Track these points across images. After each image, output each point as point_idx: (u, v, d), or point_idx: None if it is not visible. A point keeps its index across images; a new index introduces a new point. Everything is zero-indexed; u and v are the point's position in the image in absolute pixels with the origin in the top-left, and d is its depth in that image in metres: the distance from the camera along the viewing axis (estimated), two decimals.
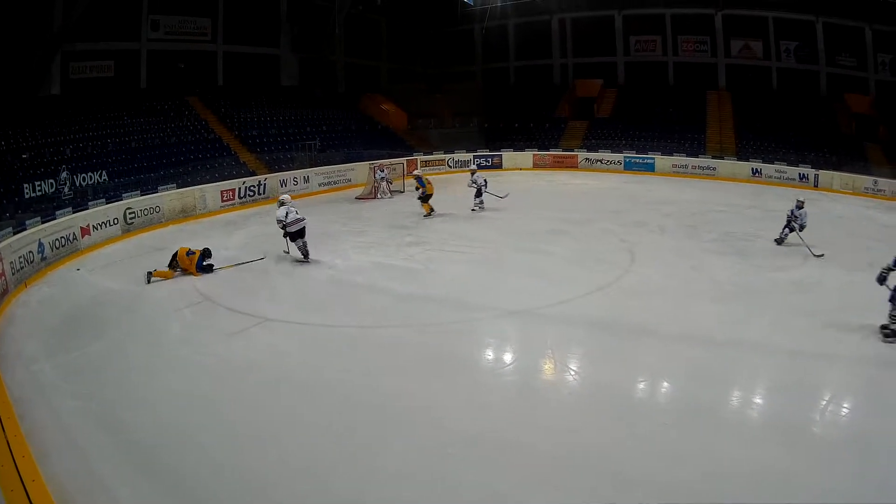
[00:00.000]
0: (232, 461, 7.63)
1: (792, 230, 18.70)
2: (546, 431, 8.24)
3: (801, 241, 18.24)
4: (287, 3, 42.51)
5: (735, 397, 9.60)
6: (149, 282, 16.16)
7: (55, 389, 9.86)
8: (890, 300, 11.06)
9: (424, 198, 23.70)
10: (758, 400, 9.62)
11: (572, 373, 10.34)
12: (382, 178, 29.75)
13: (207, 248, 17.37)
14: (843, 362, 10.64)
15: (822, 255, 17.37)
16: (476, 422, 8.47)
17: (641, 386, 9.96)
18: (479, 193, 25.23)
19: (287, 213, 17.27)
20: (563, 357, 10.93)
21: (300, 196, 29.81)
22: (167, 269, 16.78)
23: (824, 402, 9.36)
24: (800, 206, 18.85)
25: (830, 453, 7.85)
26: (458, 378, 9.90)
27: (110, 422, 8.72)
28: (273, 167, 32.36)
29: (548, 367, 10.69)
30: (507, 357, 11.39)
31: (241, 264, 17.55)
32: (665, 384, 9.98)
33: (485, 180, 25.52)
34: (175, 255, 16.93)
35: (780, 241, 18.99)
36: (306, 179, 31.85)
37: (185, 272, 16.70)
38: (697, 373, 10.04)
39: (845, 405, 9.41)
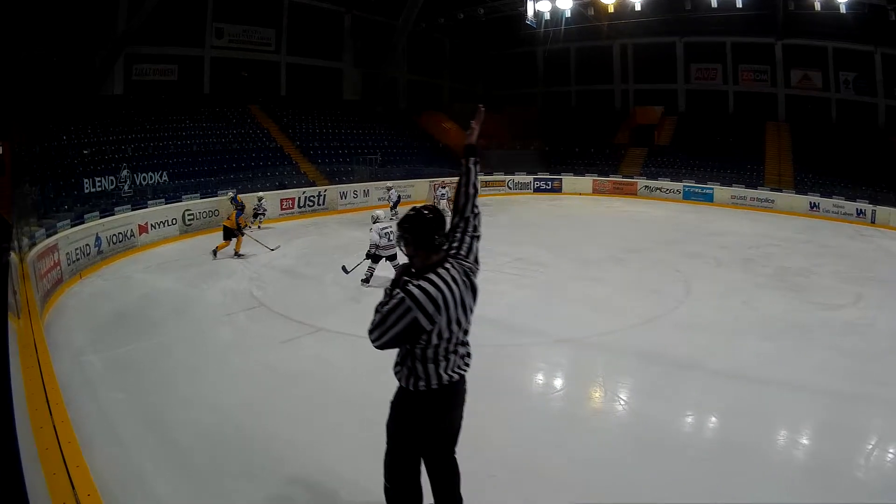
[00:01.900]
0: (271, 467, 7.38)
1: None
2: (588, 462, 7.86)
3: None
4: (351, 18, 42.85)
5: (779, 437, 9.03)
6: (215, 257, 18.27)
7: (101, 381, 9.80)
8: None
9: None
10: (801, 440, 8.98)
11: (621, 404, 9.91)
12: (442, 195, 29.45)
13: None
14: (890, 407, 9.99)
15: None
16: (520, 447, 8.09)
17: (688, 421, 9.51)
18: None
19: (381, 235, 16.01)
20: (613, 387, 10.47)
21: (359, 209, 29.94)
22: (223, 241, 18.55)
23: (869, 447, 8.77)
24: None
25: (872, 499, 7.33)
26: (505, 402, 9.43)
27: (153, 419, 8.57)
28: (333, 179, 32.33)
29: (596, 396, 10.34)
30: (556, 384, 10.98)
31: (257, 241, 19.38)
32: (710, 420, 9.54)
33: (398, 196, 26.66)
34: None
35: None
36: (366, 193, 31.71)
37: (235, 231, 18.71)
38: (742, 410, 9.54)
39: (891, 451, 8.71)
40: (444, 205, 29.19)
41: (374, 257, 16.18)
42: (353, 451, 7.74)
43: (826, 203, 35.47)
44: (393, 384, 8.46)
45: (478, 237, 5.33)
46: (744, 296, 16.34)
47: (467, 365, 5.63)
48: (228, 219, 19.36)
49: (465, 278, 5.02)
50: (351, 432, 8.26)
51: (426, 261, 4.75)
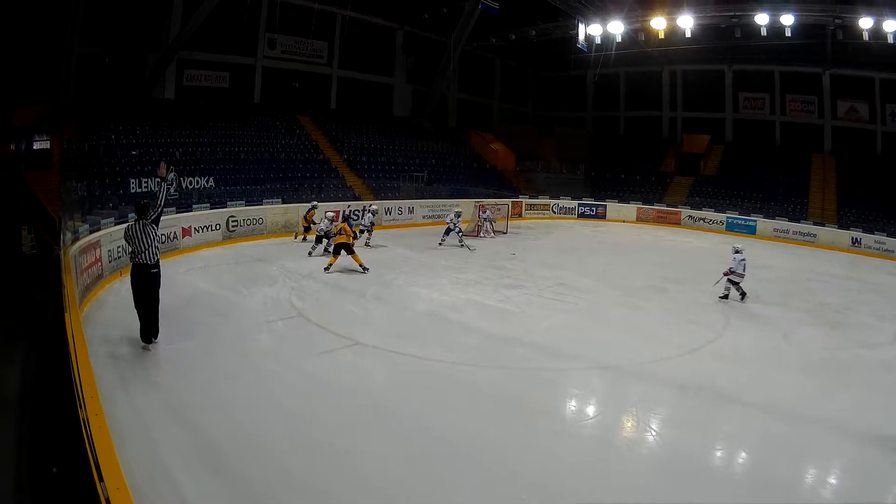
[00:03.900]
0: (301, 476, 7.46)
1: (734, 283, 18.97)
2: (617, 490, 7.85)
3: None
4: (403, 34, 43.08)
5: (810, 475, 8.94)
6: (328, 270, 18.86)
7: (136, 378, 9.89)
8: None
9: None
10: (832, 480, 8.91)
11: (653, 433, 9.77)
12: (486, 217, 29.19)
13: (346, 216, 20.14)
14: None
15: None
16: (550, 472, 8.11)
17: (718, 454, 9.43)
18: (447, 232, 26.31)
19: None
20: (646, 417, 10.40)
21: (403, 226, 30.04)
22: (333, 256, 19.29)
23: None
24: (737, 250, 19.14)
25: None
26: (538, 426, 9.55)
27: (186, 419, 8.69)
28: (379, 194, 32.35)
29: (629, 425, 10.20)
30: (590, 411, 10.95)
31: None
32: (742, 454, 9.36)
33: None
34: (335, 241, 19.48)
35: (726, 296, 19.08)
36: (411, 210, 31.62)
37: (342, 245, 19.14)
38: (774, 446, 9.39)
39: None
40: (487, 227, 29.11)
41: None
42: (387, 462, 7.89)
43: (868, 239, 35.11)
44: (430, 404, 10.03)
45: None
46: (783, 330, 16.22)
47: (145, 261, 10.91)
48: (343, 234, 19.37)
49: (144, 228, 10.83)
50: (385, 445, 8.38)
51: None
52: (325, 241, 21.82)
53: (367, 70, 41.91)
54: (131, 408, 8.69)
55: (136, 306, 11.11)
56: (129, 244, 11.01)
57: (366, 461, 7.87)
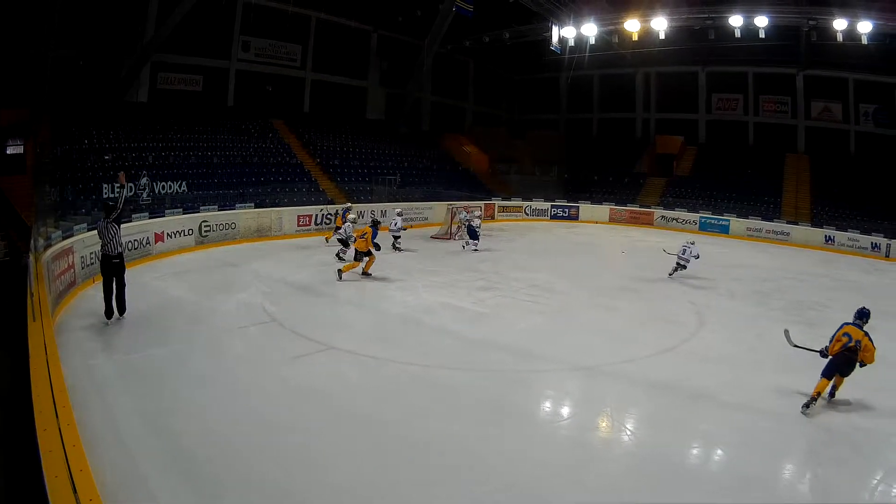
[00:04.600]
0: (278, 483, 7.46)
1: (680, 266, 22.19)
2: (594, 490, 7.99)
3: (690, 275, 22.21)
4: (377, 37, 43.16)
5: (788, 472, 9.18)
6: (340, 279, 18.72)
7: (110, 386, 9.87)
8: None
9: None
10: (809, 475, 9.13)
11: (628, 433, 9.97)
12: (468, 219, 28.90)
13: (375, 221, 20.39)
14: None
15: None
16: (526, 474, 8.19)
17: (695, 453, 9.61)
18: (473, 235, 26.53)
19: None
20: (621, 417, 10.59)
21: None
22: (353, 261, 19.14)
23: (875, 482, 8.90)
24: (691, 242, 22.53)
25: None
26: (513, 428, 9.64)
27: (161, 426, 8.68)
28: (352, 197, 32.15)
29: (604, 425, 10.35)
30: (565, 412, 11.00)
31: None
32: (718, 453, 9.57)
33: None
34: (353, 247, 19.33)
35: (671, 275, 22.31)
36: (383, 213, 31.19)
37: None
38: (751, 443, 9.60)
39: None
40: (476, 222, 29.27)
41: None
42: (363, 468, 7.95)
43: (841, 237, 35.81)
44: (405, 407, 10.06)
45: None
46: (757, 329, 16.44)
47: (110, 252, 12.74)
48: (364, 238, 19.20)
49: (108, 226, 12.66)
50: (361, 450, 8.43)
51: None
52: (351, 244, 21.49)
53: (341, 73, 41.93)
54: (106, 416, 8.69)
55: (103, 289, 13.00)
56: (99, 238, 13.05)
57: (342, 467, 7.93)
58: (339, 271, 18.99)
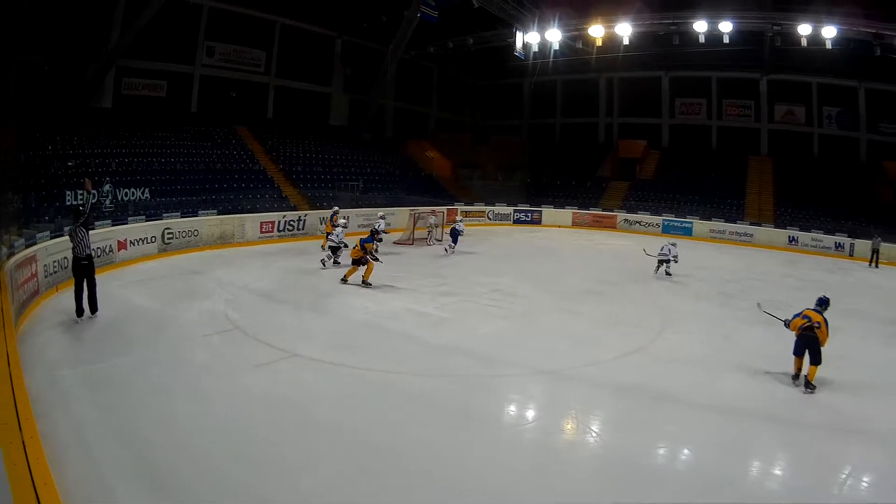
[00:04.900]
0: (247, 493, 7.45)
1: (663, 262, 23.95)
2: (560, 493, 8.00)
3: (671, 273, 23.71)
4: (341, 43, 43.28)
5: (755, 469, 9.27)
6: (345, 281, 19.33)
7: (75, 397, 9.78)
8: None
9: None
10: (777, 472, 9.32)
11: (594, 436, 10.04)
12: (436, 224, 29.49)
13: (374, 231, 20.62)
14: (866, 439, 10.33)
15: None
16: (493, 479, 8.24)
17: (661, 453, 9.69)
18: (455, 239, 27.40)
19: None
20: (586, 419, 10.67)
21: None
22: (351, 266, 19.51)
23: (843, 477, 9.07)
24: (672, 243, 24.40)
25: None
26: (480, 433, 9.68)
27: (127, 437, 8.58)
28: (315, 204, 32.33)
29: (570, 428, 10.40)
30: (530, 415, 11.08)
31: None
32: (685, 453, 9.71)
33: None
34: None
35: (656, 271, 24.08)
36: (346, 219, 30.79)
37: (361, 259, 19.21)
38: (718, 443, 9.77)
39: (864, 480, 9.11)
40: (436, 233, 29.47)
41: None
42: (332, 476, 7.97)
43: (805, 237, 36.64)
44: (370, 415, 10.03)
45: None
46: (723, 329, 16.81)
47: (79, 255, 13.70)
48: (355, 248, 19.48)
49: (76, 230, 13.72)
50: (331, 457, 8.48)
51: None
52: (340, 252, 22.14)
53: (305, 79, 42.01)
54: (70, 427, 8.62)
55: (75, 290, 13.85)
56: (71, 242, 14.05)
57: (311, 476, 7.93)
58: (344, 278, 19.44)
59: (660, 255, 23.86)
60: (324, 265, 21.94)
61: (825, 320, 12.45)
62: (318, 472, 8.07)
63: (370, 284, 19.26)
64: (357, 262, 19.30)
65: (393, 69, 44.23)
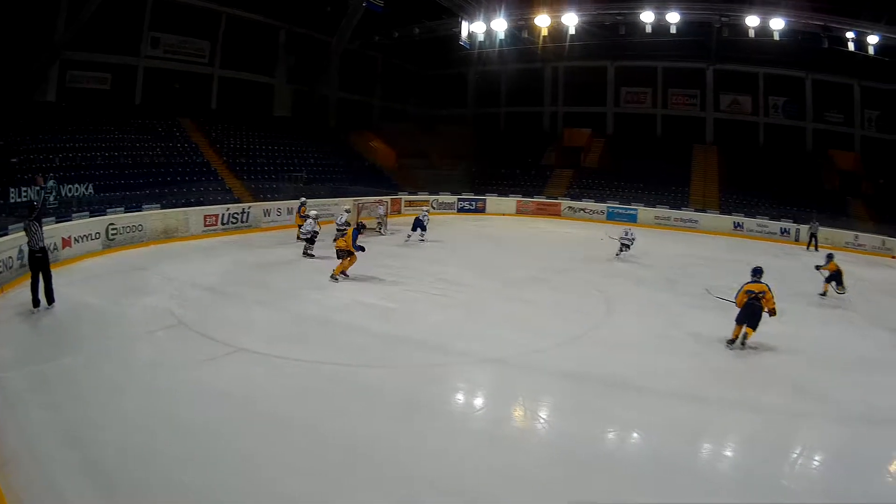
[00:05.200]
0: (199, 490, 7.49)
1: (624, 246, 25.86)
2: (512, 482, 8.13)
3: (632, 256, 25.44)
4: (286, 33, 43.10)
5: (706, 451, 9.63)
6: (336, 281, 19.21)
7: (21, 399, 9.75)
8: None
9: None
10: (728, 453, 9.67)
11: (542, 422, 10.29)
12: (383, 214, 29.69)
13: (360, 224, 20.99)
14: (817, 419, 10.85)
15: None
16: (444, 470, 8.39)
17: (612, 438, 9.92)
18: (422, 227, 27.98)
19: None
20: (534, 406, 10.90)
21: (282, 228, 30.07)
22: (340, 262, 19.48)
23: (794, 456, 9.45)
24: (628, 230, 26.48)
25: None
26: (429, 423, 9.84)
27: (75, 437, 8.58)
28: (258, 196, 32.26)
29: (518, 415, 10.63)
30: (479, 403, 11.29)
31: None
32: (634, 437, 9.92)
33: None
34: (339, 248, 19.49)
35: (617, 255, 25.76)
36: (290, 211, 31.37)
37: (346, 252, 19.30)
38: (667, 426, 10.01)
39: (816, 459, 9.50)
40: (386, 223, 29.98)
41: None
42: (285, 471, 8.06)
43: (750, 223, 37.86)
44: (319, 408, 10.08)
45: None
46: (669, 314, 17.34)
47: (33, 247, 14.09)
48: (344, 238, 19.63)
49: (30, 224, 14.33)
50: (284, 453, 8.53)
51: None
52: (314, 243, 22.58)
53: (249, 70, 41.88)
54: (18, 431, 8.65)
55: (31, 281, 14.56)
56: (26, 235, 14.67)
57: (264, 471, 7.96)
58: (333, 275, 19.34)
59: (622, 238, 25.43)
60: (312, 256, 22.65)
61: (768, 286, 13.87)
62: (272, 468, 8.08)
63: (347, 276, 19.52)
64: (341, 255, 19.40)
65: (337, 59, 44.34)
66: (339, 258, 19.43)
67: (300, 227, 24.44)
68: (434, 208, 40.86)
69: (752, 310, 13.82)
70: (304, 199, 27.38)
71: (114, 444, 8.39)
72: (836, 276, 20.80)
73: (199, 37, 38.39)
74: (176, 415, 9.44)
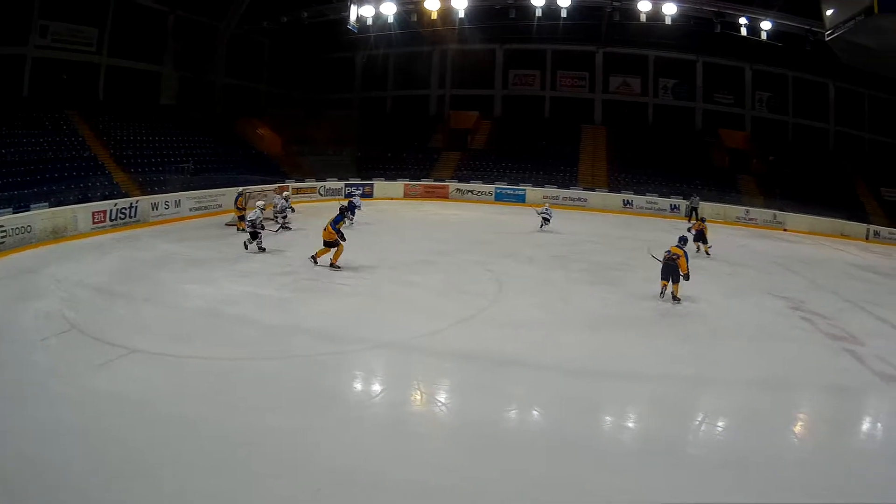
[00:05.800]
0: (104, 498, 7.53)
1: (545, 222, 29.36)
2: (417, 465, 8.44)
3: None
4: (174, 18, 42.83)
5: (606, 424, 10.17)
6: (315, 264, 20.18)
7: None
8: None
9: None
10: (630, 425, 10.26)
11: (440, 405, 10.70)
12: (286, 206, 28.78)
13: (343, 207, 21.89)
14: (718, 385, 11.70)
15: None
16: (347, 457, 8.62)
17: (510, 416, 10.36)
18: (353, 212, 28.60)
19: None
20: (431, 389, 11.34)
21: (171, 221, 29.95)
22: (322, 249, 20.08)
23: (697, 422, 10.21)
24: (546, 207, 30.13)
25: (708, 473, 8.50)
26: (329, 412, 10.02)
27: None
28: (146, 189, 32.12)
29: (416, 399, 10.98)
30: (375, 390, 11.57)
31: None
32: (534, 415, 10.37)
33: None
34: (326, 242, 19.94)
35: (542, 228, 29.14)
36: (177, 203, 31.35)
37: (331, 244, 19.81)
38: (564, 403, 10.50)
39: (719, 425, 10.21)
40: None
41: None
42: (191, 473, 8.18)
43: (639, 200, 40.52)
44: (217, 404, 10.15)
45: None
46: (561, 291, 18.40)
47: None
48: (326, 230, 19.94)
49: None
50: (185, 453, 8.62)
51: None
52: (260, 235, 22.30)
53: (137, 57, 41.56)
54: None
55: None
56: None
57: (170, 476, 8.00)
58: (313, 257, 20.23)
59: (543, 214, 29.36)
60: (246, 247, 22.41)
61: (684, 253, 17.12)
62: (178, 470, 8.15)
63: (339, 267, 19.94)
64: (329, 245, 19.80)
65: (224, 45, 44.69)
66: (325, 246, 20.06)
67: (242, 218, 24.97)
68: (322, 195, 41.76)
69: (669, 267, 17.12)
70: (241, 189, 27.91)
71: (13, 459, 8.30)
72: (700, 235, 24.17)
73: (88, 24, 37.85)
74: (76, 424, 9.35)
